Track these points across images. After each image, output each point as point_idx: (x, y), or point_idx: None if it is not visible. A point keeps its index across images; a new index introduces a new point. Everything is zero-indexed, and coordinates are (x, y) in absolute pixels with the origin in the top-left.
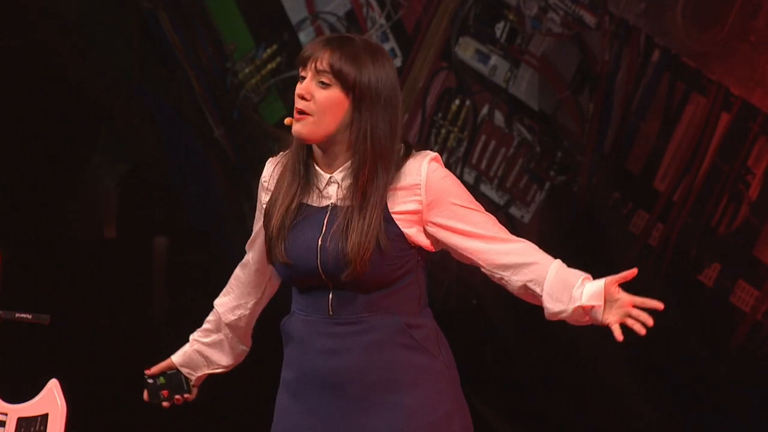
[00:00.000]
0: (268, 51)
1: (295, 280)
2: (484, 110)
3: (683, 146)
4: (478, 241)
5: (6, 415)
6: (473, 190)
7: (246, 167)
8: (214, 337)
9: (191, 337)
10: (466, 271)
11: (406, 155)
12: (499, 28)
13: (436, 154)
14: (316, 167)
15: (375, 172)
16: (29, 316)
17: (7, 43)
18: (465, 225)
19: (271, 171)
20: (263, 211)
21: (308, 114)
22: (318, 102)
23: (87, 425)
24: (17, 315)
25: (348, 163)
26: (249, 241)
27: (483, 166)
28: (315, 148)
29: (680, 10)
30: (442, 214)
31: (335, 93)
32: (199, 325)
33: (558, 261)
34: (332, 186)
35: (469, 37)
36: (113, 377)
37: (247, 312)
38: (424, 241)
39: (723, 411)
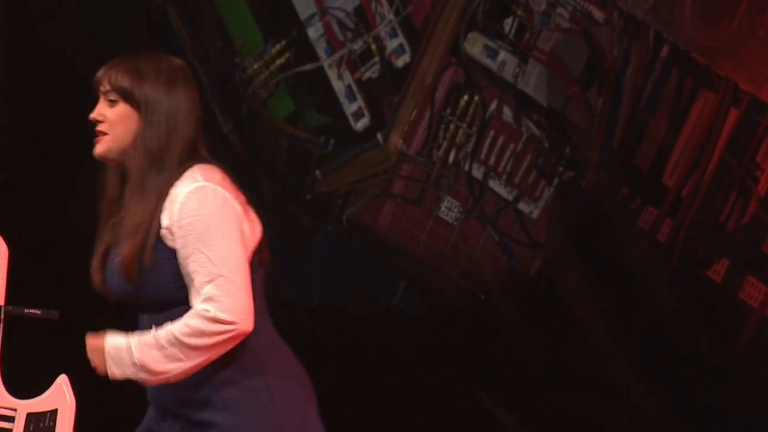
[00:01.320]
0: (277, 47)
1: (126, 306)
2: (493, 106)
3: (692, 142)
4: (190, 285)
5: (15, 410)
6: (482, 185)
7: (254, 163)
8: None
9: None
10: (474, 266)
11: (186, 172)
12: (508, 24)
13: (208, 186)
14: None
15: (142, 187)
16: (38, 312)
17: (15, 41)
18: (188, 267)
19: None
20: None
21: (104, 133)
22: (109, 119)
23: (96, 420)
24: (26, 311)
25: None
26: None
27: (491, 161)
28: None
29: (689, 5)
30: (179, 246)
31: (122, 108)
32: None
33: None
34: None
35: (478, 32)
36: None
37: None
38: None
39: (731, 407)
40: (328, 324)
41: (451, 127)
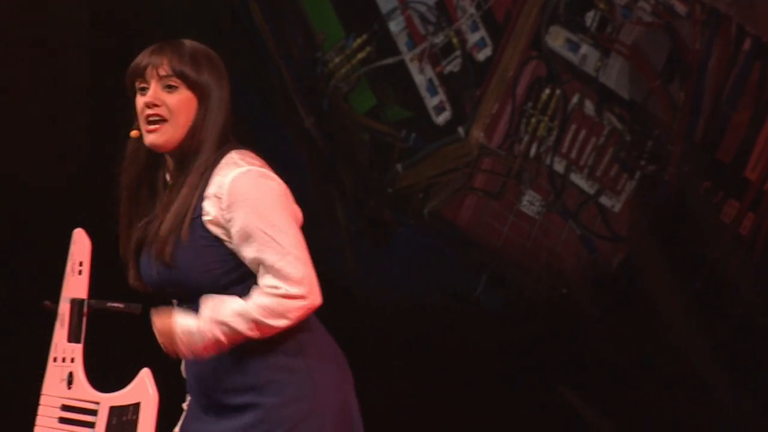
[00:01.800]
0: (358, 40)
1: (159, 297)
2: (575, 99)
3: None
4: (252, 267)
5: (98, 404)
6: (563, 179)
7: (336, 157)
8: None
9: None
10: (556, 260)
11: (225, 157)
12: (590, 17)
13: (254, 168)
14: (167, 176)
15: (192, 173)
16: (121, 306)
17: (100, 39)
18: (250, 248)
19: None
20: None
21: (163, 119)
22: (169, 105)
23: (178, 414)
24: (109, 304)
25: (175, 170)
26: None
27: (573, 155)
28: (167, 156)
29: None
30: (236, 230)
31: (184, 94)
32: None
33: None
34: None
35: (560, 26)
36: None
37: None
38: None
39: None
40: (409, 318)
41: (533, 120)
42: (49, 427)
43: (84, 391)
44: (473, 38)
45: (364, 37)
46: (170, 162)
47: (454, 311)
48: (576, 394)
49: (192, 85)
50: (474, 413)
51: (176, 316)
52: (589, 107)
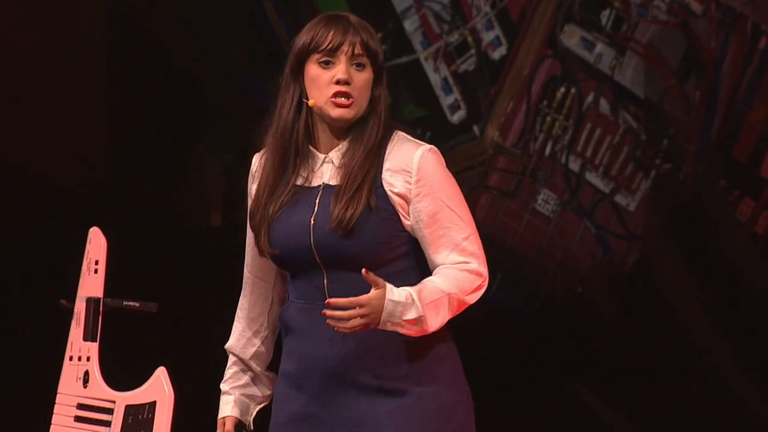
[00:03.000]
0: None
1: (289, 265)
2: (590, 98)
3: None
4: (439, 241)
5: (114, 402)
6: (578, 177)
7: None
8: (247, 376)
9: (226, 387)
10: (571, 258)
11: (393, 133)
12: (605, 16)
13: (432, 147)
14: (311, 148)
15: (371, 148)
16: (137, 304)
17: (117, 34)
18: (436, 224)
19: (259, 163)
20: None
21: (353, 97)
22: (358, 85)
23: (194, 412)
24: (125, 303)
25: (345, 142)
26: (246, 252)
27: (588, 153)
28: (323, 128)
29: None
30: (423, 206)
31: (369, 73)
32: None
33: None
34: (326, 165)
35: (575, 24)
36: (220, 365)
37: (262, 338)
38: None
39: None
40: None
41: (548, 119)
42: (65, 426)
43: (100, 390)
44: (488, 37)
45: (379, 35)
46: (331, 136)
47: (469, 310)
48: (592, 393)
49: (376, 65)
50: (489, 412)
51: (388, 286)
52: (605, 106)
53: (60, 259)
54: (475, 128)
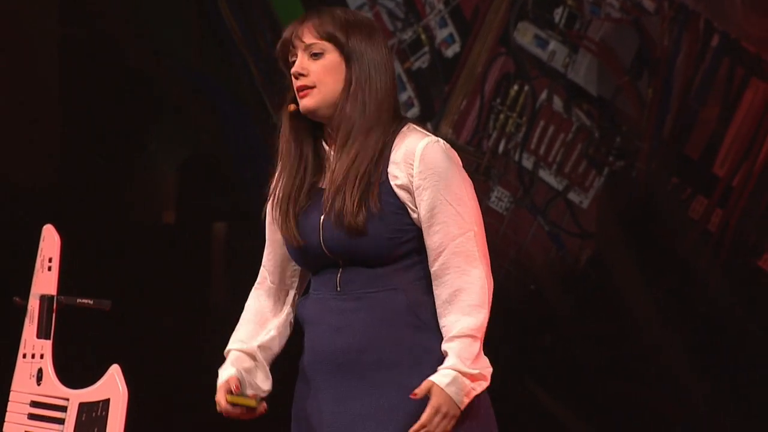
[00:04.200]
0: None
1: (308, 264)
2: (543, 95)
3: (743, 131)
4: (434, 237)
5: (68, 400)
6: (532, 175)
7: None
8: (249, 361)
9: (223, 367)
10: (524, 256)
11: (405, 127)
12: (558, 14)
13: (442, 140)
14: (324, 145)
15: (365, 138)
16: (90, 302)
17: (70, 32)
18: (433, 219)
19: (281, 167)
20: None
21: (310, 87)
22: (315, 73)
23: (148, 410)
24: (78, 301)
25: (341, 135)
26: (265, 253)
27: (541, 151)
28: (324, 126)
29: None
30: (423, 198)
31: (330, 59)
32: None
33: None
34: (332, 162)
35: (528, 22)
36: (173, 362)
37: (268, 334)
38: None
39: None
40: None
41: (501, 116)
42: (18, 423)
43: (53, 388)
44: (441, 34)
45: None
46: (329, 131)
47: None
48: (545, 391)
49: (338, 49)
50: None
51: (433, 380)
52: (558, 103)
53: (13, 257)
54: (429, 125)
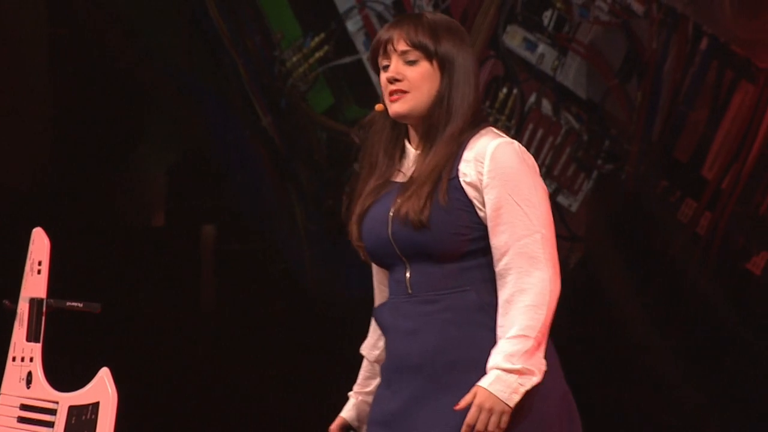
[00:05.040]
0: (316, 39)
1: (378, 259)
2: (532, 98)
3: (731, 134)
4: (499, 236)
5: (57, 403)
6: None
7: (293, 156)
8: (375, 382)
9: (352, 391)
10: None
11: (483, 129)
12: (547, 17)
13: (514, 141)
14: (408, 145)
15: (448, 143)
16: (80, 305)
17: (57, 31)
18: (499, 218)
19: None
20: None
21: (403, 92)
22: (411, 79)
23: (138, 413)
24: (68, 304)
25: (426, 138)
26: None
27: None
28: (410, 126)
29: None
30: (490, 197)
31: (424, 67)
32: (246, 314)
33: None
34: (416, 163)
35: (517, 25)
36: (163, 365)
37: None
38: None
39: None
40: (366, 316)
41: (490, 119)
42: (8, 427)
43: (43, 391)
44: None
45: (322, 36)
46: (414, 133)
47: None
48: None
49: (432, 57)
50: None
51: (478, 385)
52: (547, 106)
53: (3, 260)
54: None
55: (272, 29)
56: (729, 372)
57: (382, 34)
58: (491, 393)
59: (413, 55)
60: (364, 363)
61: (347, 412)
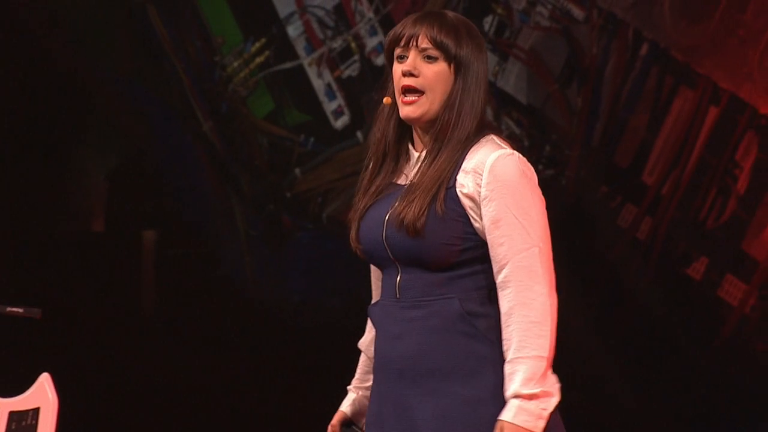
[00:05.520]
0: (257, 45)
1: (373, 261)
2: None
3: (671, 140)
4: (498, 249)
5: None
6: None
7: (234, 161)
8: (372, 379)
9: (351, 385)
10: None
11: (486, 137)
12: (488, 22)
13: (518, 154)
14: (410, 146)
15: (454, 148)
16: (20, 310)
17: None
18: (498, 231)
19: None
20: None
21: (420, 91)
22: (427, 77)
23: (78, 418)
24: (8, 309)
25: (432, 140)
26: None
27: None
28: (415, 127)
29: (668, 3)
30: (489, 210)
31: (442, 66)
32: (186, 318)
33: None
34: (418, 164)
35: None
36: (104, 370)
37: None
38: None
39: (710, 404)
40: (308, 320)
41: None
42: None
43: None
44: (371, 43)
45: (263, 41)
46: (421, 134)
47: (353, 314)
48: None
49: (451, 58)
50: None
51: (502, 422)
52: (488, 112)
53: None
54: (359, 134)
55: (213, 34)
56: (668, 375)
57: (407, 27)
58: (518, 426)
59: (433, 53)
60: (363, 358)
61: (347, 407)
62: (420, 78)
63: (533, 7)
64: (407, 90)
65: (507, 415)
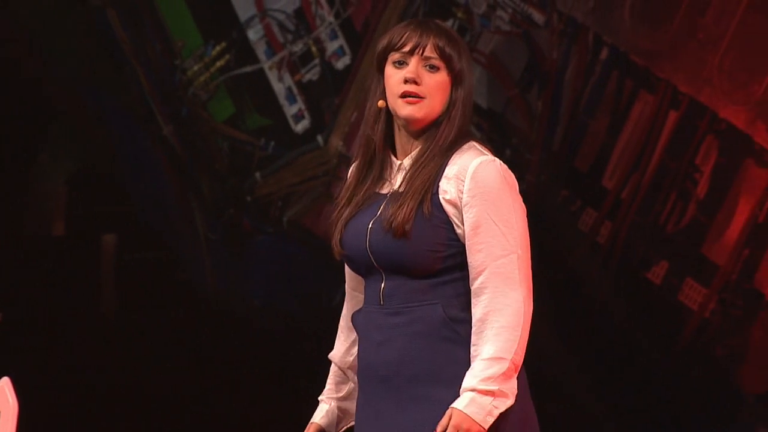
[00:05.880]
0: (217, 48)
1: (357, 268)
2: None
3: (631, 144)
4: (476, 255)
5: None
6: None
7: (194, 165)
8: (347, 387)
9: (323, 396)
10: None
11: (467, 143)
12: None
13: (498, 160)
14: (391, 155)
15: (442, 156)
16: None
17: None
18: (477, 237)
19: (350, 170)
20: None
21: (420, 97)
22: (429, 86)
23: (39, 423)
24: None
25: (418, 147)
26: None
27: None
28: (400, 133)
29: (628, 8)
30: (469, 216)
31: (443, 76)
32: (147, 323)
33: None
34: (401, 172)
35: None
36: (64, 374)
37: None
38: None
39: (671, 408)
40: (268, 325)
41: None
42: None
43: None
44: (332, 47)
45: (223, 45)
46: (405, 141)
47: (314, 318)
48: None
49: (452, 70)
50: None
51: (452, 408)
52: None
53: None
54: (319, 138)
55: (173, 38)
56: (628, 379)
57: (412, 35)
58: (467, 415)
59: (437, 63)
60: (334, 369)
61: (321, 419)
62: (422, 86)
63: (494, 11)
64: (407, 96)
65: (459, 403)
